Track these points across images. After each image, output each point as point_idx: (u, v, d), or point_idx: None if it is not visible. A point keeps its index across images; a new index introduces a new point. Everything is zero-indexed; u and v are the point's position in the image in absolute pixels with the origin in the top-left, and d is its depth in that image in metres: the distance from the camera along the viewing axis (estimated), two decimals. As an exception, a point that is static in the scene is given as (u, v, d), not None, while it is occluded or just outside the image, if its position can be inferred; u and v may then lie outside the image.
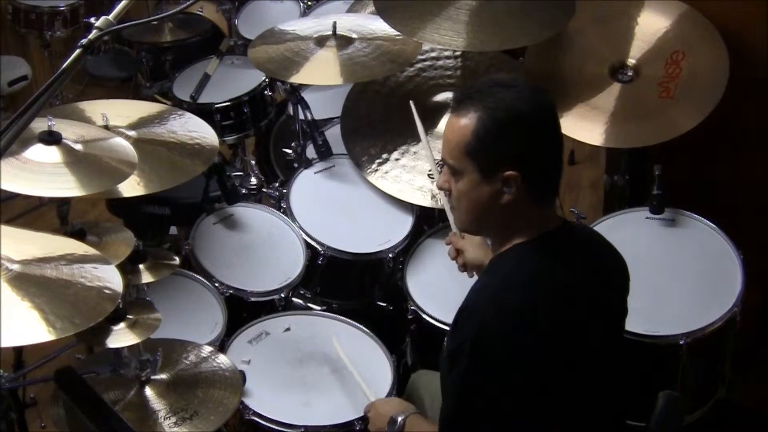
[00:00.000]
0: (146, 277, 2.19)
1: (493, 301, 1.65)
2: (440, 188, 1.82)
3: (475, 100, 1.68)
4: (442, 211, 2.71)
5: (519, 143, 1.67)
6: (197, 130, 2.33)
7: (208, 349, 2.22)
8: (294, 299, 2.70)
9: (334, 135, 2.95)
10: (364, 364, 2.33)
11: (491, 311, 1.63)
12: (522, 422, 1.65)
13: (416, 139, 2.78)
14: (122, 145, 2.07)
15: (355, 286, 2.79)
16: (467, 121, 1.68)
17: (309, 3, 3.70)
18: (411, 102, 2.48)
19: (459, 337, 1.65)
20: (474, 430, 1.66)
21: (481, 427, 1.65)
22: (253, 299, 2.57)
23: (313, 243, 2.67)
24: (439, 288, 2.50)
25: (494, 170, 1.67)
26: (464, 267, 2.20)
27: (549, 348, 1.64)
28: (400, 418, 1.94)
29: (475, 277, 2.19)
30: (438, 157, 2.71)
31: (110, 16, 1.59)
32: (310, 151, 2.96)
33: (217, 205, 2.77)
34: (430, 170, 2.71)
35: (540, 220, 1.72)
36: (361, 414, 2.19)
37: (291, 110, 3.05)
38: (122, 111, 2.32)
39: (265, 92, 3.37)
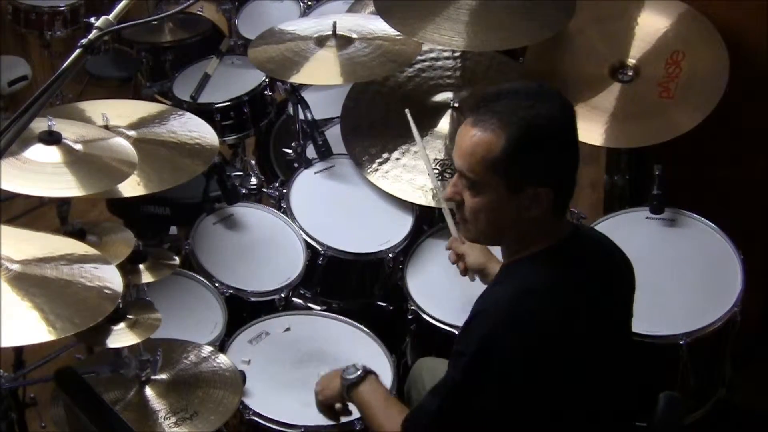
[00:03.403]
0: (146, 277, 2.19)
1: (504, 311, 1.64)
2: (449, 199, 1.74)
3: (502, 113, 1.61)
4: (442, 211, 2.72)
5: (551, 160, 1.63)
6: (197, 130, 2.33)
7: (208, 349, 2.22)
8: (294, 299, 2.70)
9: (334, 135, 2.95)
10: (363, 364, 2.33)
11: (501, 322, 1.62)
12: (519, 425, 1.66)
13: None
14: (122, 145, 2.06)
15: (355, 286, 2.78)
16: (492, 135, 1.60)
17: (309, 3, 3.70)
18: (407, 111, 2.49)
19: (464, 342, 1.66)
20: (458, 428, 1.65)
21: (468, 426, 1.64)
22: (253, 299, 2.57)
23: (313, 243, 2.67)
24: (439, 288, 2.50)
25: (523, 187, 1.62)
26: (465, 271, 2.21)
27: (556, 355, 1.64)
28: (358, 367, 1.90)
29: (478, 281, 2.20)
30: (439, 156, 2.74)
31: (110, 16, 1.59)
32: (310, 151, 2.96)
33: (217, 205, 2.77)
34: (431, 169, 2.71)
35: (554, 230, 1.71)
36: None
37: (291, 110, 3.05)
38: (122, 111, 2.32)
39: (265, 92, 3.37)
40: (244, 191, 3.02)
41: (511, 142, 1.59)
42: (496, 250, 2.17)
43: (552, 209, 1.66)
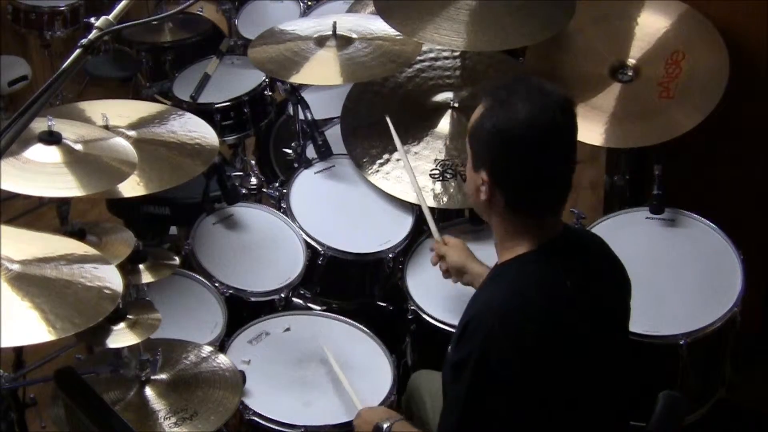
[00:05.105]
0: (146, 277, 2.19)
1: (497, 313, 1.65)
2: None
3: (493, 96, 1.70)
4: (442, 210, 2.72)
5: (497, 156, 1.69)
6: (197, 130, 2.33)
7: (208, 349, 2.22)
8: (294, 299, 2.70)
9: (334, 135, 2.95)
10: (364, 364, 2.33)
11: (496, 323, 1.63)
12: (526, 430, 1.66)
13: (416, 140, 2.78)
14: (122, 145, 2.07)
15: (355, 286, 2.78)
16: (477, 110, 1.72)
17: (309, 3, 3.70)
18: (387, 117, 2.58)
19: (464, 349, 1.66)
20: None
21: (489, 429, 1.66)
22: (253, 299, 2.57)
23: (313, 243, 2.67)
24: (439, 288, 2.50)
25: (477, 166, 1.72)
26: (447, 272, 2.28)
27: (554, 357, 1.65)
28: (385, 425, 1.93)
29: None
30: (439, 156, 2.74)
31: (110, 16, 1.59)
32: (310, 151, 2.95)
33: (217, 205, 2.77)
34: (432, 169, 2.71)
35: (540, 230, 1.72)
36: (361, 414, 2.19)
37: (291, 110, 3.05)
38: (122, 111, 2.32)
39: (265, 92, 3.37)
40: (244, 191, 3.02)
41: (477, 123, 1.71)
42: (481, 251, 2.26)
43: (508, 205, 1.70)
